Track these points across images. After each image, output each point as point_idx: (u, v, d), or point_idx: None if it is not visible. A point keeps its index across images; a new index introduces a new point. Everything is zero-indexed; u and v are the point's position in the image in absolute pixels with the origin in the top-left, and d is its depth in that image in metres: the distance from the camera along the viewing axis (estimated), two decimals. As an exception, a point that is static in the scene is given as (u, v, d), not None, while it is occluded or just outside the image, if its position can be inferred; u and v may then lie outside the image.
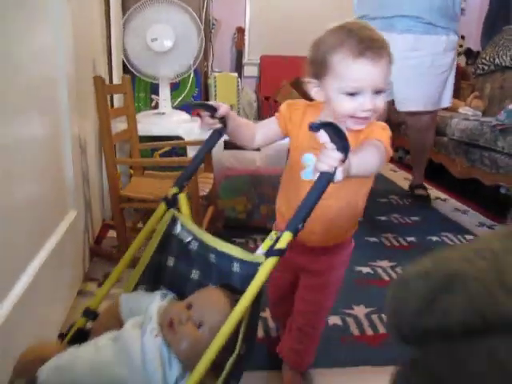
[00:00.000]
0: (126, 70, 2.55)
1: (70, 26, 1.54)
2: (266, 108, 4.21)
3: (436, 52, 2.43)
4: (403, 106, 2.55)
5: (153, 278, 1.02)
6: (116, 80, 2.52)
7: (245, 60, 4.35)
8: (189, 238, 0.98)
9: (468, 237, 2.34)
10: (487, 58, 3.57)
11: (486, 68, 3.60)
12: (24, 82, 1.19)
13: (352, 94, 0.94)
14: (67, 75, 1.51)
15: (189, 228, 0.99)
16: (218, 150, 2.23)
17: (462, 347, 0.29)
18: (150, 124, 2.30)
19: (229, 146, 2.29)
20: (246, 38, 4.32)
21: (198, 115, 2.94)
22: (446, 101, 2.60)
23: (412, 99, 2.51)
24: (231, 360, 0.80)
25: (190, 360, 0.79)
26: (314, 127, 0.75)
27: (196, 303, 0.86)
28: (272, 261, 0.82)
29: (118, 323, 0.91)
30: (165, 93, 2.46)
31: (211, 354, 0.75)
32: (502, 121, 2.50)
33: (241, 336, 0.81)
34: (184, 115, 2.52)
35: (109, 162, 1.77)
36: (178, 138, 2.36)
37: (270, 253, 0.82)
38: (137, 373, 0.79)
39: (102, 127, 1.74)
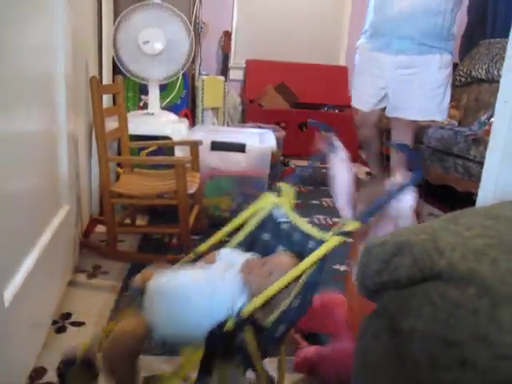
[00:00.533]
0: (114, 70, 2.63)
1: (69, 25, 1.61)
2: (250, 111, 4.31)
3: (430, 70, 2.52)
4: (395, 112, 2.66)
5: (248, 245, 1.21)
6: (105, 80, 2.59)
7: (231, 63, 4.45)
8: (283, 219, 1.18)
9: (440, 239, 2.47)
10: (464, 71, 3.74)
11: (463, 80, 3.76)
12: (24, 78, 1.26)
13: None
14: (65, 73, 1.58)
15: (288, 213, 1.19)
16: (204, 150, 2.31)
17: (406, 292, 0.39)
18: (139, 124, 2.37)
19: (215, 147, 2.38)
20: (233, 41, 4.42)
21: (186, 116, 3.03)
22: (442, 114, 2.62)
23: (405, 108, 2.60)
24: (282, 307, 0.98)
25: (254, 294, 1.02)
26: None
27: (270, 261, 1.09)
28: (335, 239, 1.01)
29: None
30: (154, 94, 2.54)
31: (268, 292, 0.97)
32: (475, 131, 2.64)
33: (294, 292, 0.99)
34: (172, 116, 2.60)
35: (102, 160, 1.84)
36: (166, 137, 2.44)
37: (335, 233, 1.02)
38: (214, 303, 1.01)
39: (96, 126, 1.81)
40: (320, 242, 1.04)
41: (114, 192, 1.90)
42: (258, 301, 0.97)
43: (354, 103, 2.83)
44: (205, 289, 1.04)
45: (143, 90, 2.89)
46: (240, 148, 2.33)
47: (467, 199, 3.12)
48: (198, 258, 1.22)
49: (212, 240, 1.23)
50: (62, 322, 1.53)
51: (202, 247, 1.22)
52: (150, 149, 2.52)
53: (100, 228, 2.23)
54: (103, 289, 1.76)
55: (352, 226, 1.00)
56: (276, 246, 1.17)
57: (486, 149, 2.56)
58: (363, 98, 2.74)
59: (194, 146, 2.17)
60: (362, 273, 0.45)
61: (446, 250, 0.39)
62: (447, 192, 3.11)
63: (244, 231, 1.22)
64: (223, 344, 0.97)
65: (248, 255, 1.15)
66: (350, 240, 1.10)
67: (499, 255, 0.37)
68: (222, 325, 0.96)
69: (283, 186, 1.25)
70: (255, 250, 1.19)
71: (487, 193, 0.93)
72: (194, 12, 2.91)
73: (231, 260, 1.14)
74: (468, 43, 4.04)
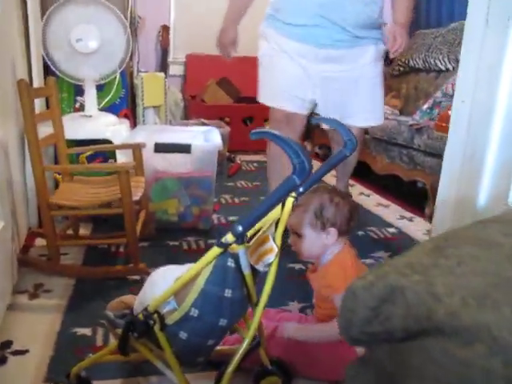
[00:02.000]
0: (46, 71, 2.45)
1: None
2: (193, 107, 4.21)
3: (365, 63, 2.10)
4: (357, 121, 2.13)
5: None
6: (36, 83, 2.41)
7: (170, 59, 4.31)
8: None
9: (391, 229, 2.50)
10: (402, 60, 3.81)
11: (401, 69, 3.84)
12: None
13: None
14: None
15: None
16: (148, 152, 2.21)
17: (403, 347, 0.34)
18: (76, 127, 2.23)
19: (159, 149, 2.28)
20: (171, 36, 4.28)
21: (126, 116, 2.89)
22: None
23: (347, 114, 2.09)
24: (180, 310, 1.02)
25: None
26: None
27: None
28: (215, 250, 0.96)
29: None
30: (91, 94, 2.40)
31: (167, 291, 1.02)
32: (418, 121, 2.69)
33: (190, 297, 1.00)
34: (111, 117, 2.47)
35: (37, 169, 1.70)
36: (106, 141, 2.31)
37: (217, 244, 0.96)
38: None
39: (28, 133, 1.67)
40: None
41: (53, 203, 1.76)
42: (161, 298, 1.02)
43: (273, 102, 2.15)
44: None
45: (78, 90, 2.73)
46: (185, 149, 2.24)
47: (413, 188, 3.21)
48: None
49: None
50: (1, 353, 1.39)
51: None
52: (88, 152, 2.38)
53: (40, 241, 2.09)
54: (47, 310, 1.63)
55: (230, 238, 0.92)
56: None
57: (429, 138, 2.62)
58: (285, 95, 2.11)
59: (137, 149, 2.07)
60: (346, 320, 0.40)
61: (443, 296, 0.34)
62: (393, 182, 3.17)
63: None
64: (137, 330, 1.05)
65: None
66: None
67: (501, 297, 0.33)
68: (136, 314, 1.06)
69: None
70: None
71: (448, 191, 0.91)
72: (128, 6, 2.77)
73: None
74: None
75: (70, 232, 2.10)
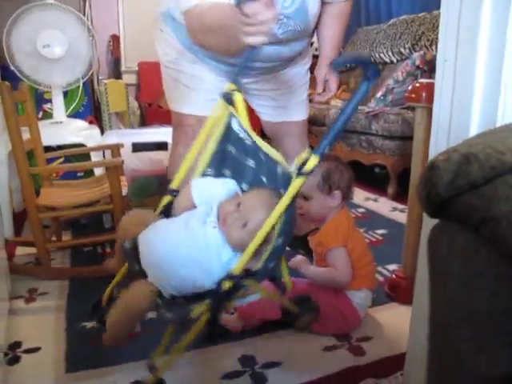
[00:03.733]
0: (4, 76, 2.41)
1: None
2: (150, 114, 4.23)
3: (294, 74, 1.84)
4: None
5: (218, 162, 1.18)
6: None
7: (123, 68, 4.31)
8: (244, 135, 1.13)
9: (360, 209, 2.66)
10: (348, 56, 4.03)
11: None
12: None
13: None
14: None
15: (244, 127, 1.12)
16: (124, 153, 2.24)
17: (487, 188, 0.46)
18: (48, 134, 2.22)
19: (136, 148, 2.32)
20: (122, 45, 4.29)
21: (91, 123, 2.88)
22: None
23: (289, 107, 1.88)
24: (268, 250, 1.00)
25: (238, 248, 1.03)
26: None
27: (244, 203, 1.05)
28: (300, 181, 0.95)
29: (191, 204, 1.12)
30: (59, 101, 2.39)
31: (250, 248, 0.98)
32: (373, 108, 2.88)
33: (275, 234, 0.99)
34: (81, 122, 2.48)
35: (23, 172, 1.70)
36: (80, 145, 2.32)
37: (299, 173, 0.95)
38: (202, 254, 1.02)
39: (13, 136, 1.66)
40: (287, 173, 0.99)
41: (41, 206, 1.76)
42: (245, 257, 0.99)
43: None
44: (189, 242, 1.04)
45: (39, 99, 2.71)
46: (162, 146, 2.29)
47: (372, 173, 3.40)
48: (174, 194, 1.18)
49: (182, 170, 1.19)
50: (12, 353, 1.38)
51: (175, 183, 1.19)
52: (59, 160, 2.37)
53: (20, 250, 2.07)
54: (48, 310, 1.63)
55: (312, 162, 0.93)
56: (245, 161, 1.14)
57: (385, 122, 2.81)
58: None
59: (116, 149, 2.09)
60: (429, 186, 0.50)
61: (507, 151, 0.46)
62: (354, 167, 3.34)
63: (209, 150, 1.18)
64: (223, 303, 1.02)
65: (222, 190, 1.12)
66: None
67: None
68: (219, 286, 0.99)
69: (234, 92, 1.13)
70: (227, 167, 1.19)
71: (440, 142, 1.03)
72: (85, 14, 2.78)
73: (208, 200, 1.11)
74: (346, 31, 4.37)
75: (53, 239, 2.08)
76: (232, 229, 1.03)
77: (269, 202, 1.02)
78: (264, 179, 1.11)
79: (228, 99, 1.14)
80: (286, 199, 0.96)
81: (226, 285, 0.98)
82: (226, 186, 1.14)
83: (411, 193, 1.56)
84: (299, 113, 1.90)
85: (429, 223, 0.70)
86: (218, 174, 1.19)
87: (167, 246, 1.02)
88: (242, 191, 1.15)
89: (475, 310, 0.50)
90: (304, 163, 0.95)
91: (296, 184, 0.96)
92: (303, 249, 2.02)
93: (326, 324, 1.39)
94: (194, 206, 1.12)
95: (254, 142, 1.10)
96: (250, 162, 1.14)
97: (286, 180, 1.00)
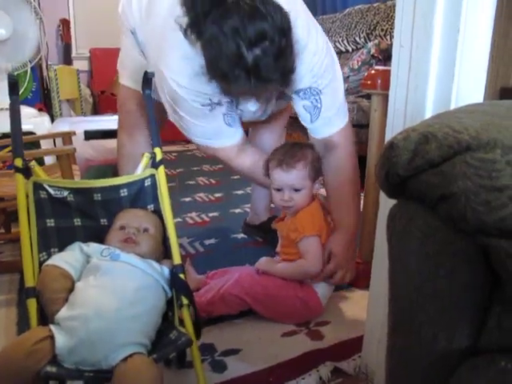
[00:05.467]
0: None
1: None
2: (103, 102, 4.10)
3: None
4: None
5: (44, 244, 1.07)
6: None
7: (73, 54, 4.16)
8: (65, 193, 1.10)
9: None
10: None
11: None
12: None
13: (277, 190, 1.36)
14: None
15: (59, 185, 1.11)
16: (76, 141, 2.16)
17: (445, 166, 0.46)
18: (-6, 121, 2.11)
19: (88, 136, 2.24)
20: (72, 30, 4.13)
21: (41, 110, 2.77)
22: None
23: None
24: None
25: (155, 254, 1.09)
26: None
27: (124, 222, 1.10)
28: (162, 168, 1.17)
29: (68, 279, 1.00)
30: (4, 86, 2.27)
31: (173, 230, 1.11)
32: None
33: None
34: (30, 110, 2.37)
35: (-33, 161, 1.61)
36: (29, 133, 2.21)
37: (158, 164, 1.17)
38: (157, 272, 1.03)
39: (-46, 122, 1.57)
40: (136, 183, 1.16)
41: (-14, 197, 1.67)
42: (175, 247, 1.10)
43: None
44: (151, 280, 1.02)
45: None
46: (115, 134, 2.22)
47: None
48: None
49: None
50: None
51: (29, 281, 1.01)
52: (7, 149, 2.26)
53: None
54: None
55: (159, 152, 1.18)
56: (71, 224, 1.12)
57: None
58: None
59: (68, 137, 2.02)
60: (388, 165, 0.50)
61: (464, 130, 0.47)
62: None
63: (33, 238, 1.05)
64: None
65: (79, 246, 1.08)
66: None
67: (504, 125, 0.46)
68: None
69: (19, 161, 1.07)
70: (53, 245, 1.08)
71: (397, 121, 1.05)
72: (32, -4, 2.65)
73: (78, 260, 1.04)
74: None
75: (1, 231, 1.99)
76: (142, 240, 1.08)
77: (143, 211, 1.15)
78: (103, 220, 1.16)
79: (25, 173, 1.07)
80: (163, 189, 1.15)
81: (182, 276, 1.05)
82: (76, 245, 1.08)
83: (367, 179, 1.58)
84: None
85: (386, 205, 0.70)
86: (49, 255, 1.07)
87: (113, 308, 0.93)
88: (82, 250, 1.07)
89: (435, 287, 0.51)
90: (153, 157, 1.18)
91: (162, 174, 1.16)
92: (259, 236, 2.03)
93: (291, 315, 1.40)
94: (71, 278, 1.00)
95: (81, 191, 1.12)
96: (77, 221, 1.13)
97: (136, 189, 1.16)
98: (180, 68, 1.29)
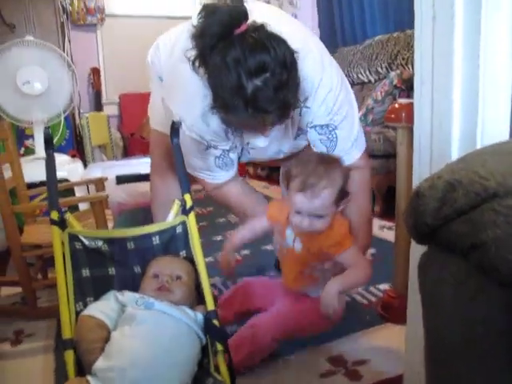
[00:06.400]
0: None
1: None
2: (133, 145, 4.22)
3: None
4: None
5: (80, 294, 1.09)
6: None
7: (104, 100, 4.32)
8: (99, 244, 1.13)
9: (348, 230, 2.65)
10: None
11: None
12: None
13: (297, 212, 1.29)
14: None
15: (93, 236, 1.14)
16: (108, 186, 2.22)
17: (474, 214, 0.46)
18: (31, 170, 2.20)
19: (120, 181, 2.30)
20: (103, 78, 4.31)
21: (74, 156, 2.87)
22: None
23: None
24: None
25: (188, 300, 1.10)
26: None
27: (157, 270, 1.12)
28: (192, 215, 1.19)
29: (104, 329, 1.01)
30: (40, 137, 2.38)
31: (205, 275, 1.12)
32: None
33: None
34: (64, 157, 2.46)
35: (6, 211, 1.67)
36: (63, 180, 2.29)
37: (188, 211, 1.19)
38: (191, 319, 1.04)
39: (-6, 176, 1.64)
40: (167, 231, 1.19)
41: (26, 244, 1.73)
42: (208, 291, 1.10)
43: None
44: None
45: (21, 135, 2.70)
46: (147, 177, 2.27)
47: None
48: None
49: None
50: (0, 399, 1.34)
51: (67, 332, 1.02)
52: (42, 196, 2.34)
53: (4, 290, 2.02)
54: (35, 352, 1.58)
55: (189, 198, 1.19)
56: (105, 273, 1.14)
57: (367, 142, 2.84)
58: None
59: (100, 183, 2.08)
60: (416, 214, 0.50)
61: (490, 176, 0.47)
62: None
63: (69, 288, 1.07)
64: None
65: (114, 296, 1.09)
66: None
67: None
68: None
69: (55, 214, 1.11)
70: (88, 295, 1.10)
71: (424, 157, 1.05)
72: (65, 49, 2.79)
73: (113, 309, 1.06)
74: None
75: (39, 277, 2.04)
76: (175, 287, 1.10)
77: (176, 259, 1.17)
78: (137, 268, 1.18)
79: (60, 225, 1.11)
80: (194, 235, 1.16)
81: (216, 322, 1.05)
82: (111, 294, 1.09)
83: (397, 211, 1.56)
84: None
85: (417, 244, 0.70)
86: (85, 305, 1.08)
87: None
88: (117, 300, 1.08)
89: (470, 334, 0.50)
90: (184, 205, 1.19)
91: (192, 220, 1.17)
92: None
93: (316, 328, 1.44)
94: (107, 329, 1.01)
95: (114, 240, 1.15)
96: (111, 271, 1.15)
97: (167, 237, 1.18)
98: (186, 107, 1.33)
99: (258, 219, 1.50)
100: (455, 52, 0.95)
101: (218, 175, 1.51)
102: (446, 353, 0.55)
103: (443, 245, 0.50)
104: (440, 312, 0.52)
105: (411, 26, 1.06)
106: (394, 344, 1.44)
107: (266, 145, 1.40)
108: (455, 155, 0.96)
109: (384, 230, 2.62)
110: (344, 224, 1.36)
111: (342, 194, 1.30)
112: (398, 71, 2.97)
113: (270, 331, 1.35)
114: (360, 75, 3.78)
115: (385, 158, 2.77)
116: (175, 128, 1.23)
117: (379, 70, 3.56)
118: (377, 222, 2.77)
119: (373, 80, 3.67)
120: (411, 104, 1.16)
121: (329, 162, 1.31)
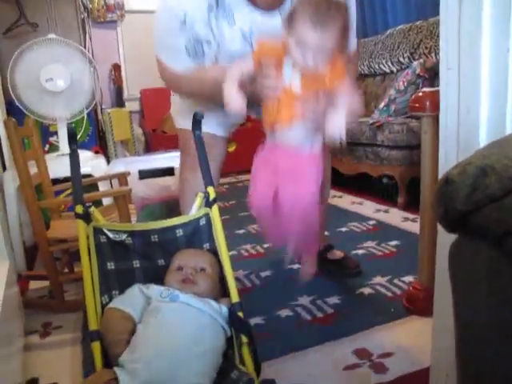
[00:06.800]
0: (10, 112, 2.45)
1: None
2: (154, 140, 4.25)
3: None
4: None
5: (106, 287, 1.10)
6: None
7: (125, 95, 4.36)
8: (123, 237, 1.14)
9: (371, 222, 2.63)
10: (348, 69, 4.04)
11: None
12: None
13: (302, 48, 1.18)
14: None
15: (118, 229, 1.15)
16: (131, 181, 2.24)
17: (507, 200, 0.44)
18: (55, 166, 2.23)
19: (142, 175, 2.32)
20: (124, 73, 4.35)
21: (97, 152, 2.90)
22: None
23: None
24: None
25: (212, 292, 1.10)
26: None
27: (182, 262, 1.12)
28: (215, 207, 1.19)
29: (130, 321, 1.02)
30: (64, 133, 2.41)
31: (229, 268, 1.13)
32: (377, 119, 2.87)
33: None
34: (86, 153, 2.49)
35: (32, 207, 1.70)
36: (87, 175, 2.32)
37: (211, 203, 1.20)
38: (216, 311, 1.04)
39: (20, 172, 1.67)
40: (191, 223, 1.19)
41: (52, 239, 1.76)
42: (232, 283, 1.11)
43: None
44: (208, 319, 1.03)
45: (45, 132, 2.74)
46: (169, 172, 2.30)
47: (380, 184, 3.38)
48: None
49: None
50: (30, 390, 1.37)
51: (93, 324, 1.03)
52: (67, 191, 2.38)
53: (33, 284, 2.07)
54: (63, 344, 1.61)
55: (212, 191, 1.21)
56: (130, 266, 1.16)
57: (390, 132, 2.80)
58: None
59: (123, 177, 2.10)
60: (445, 200, 0.49)
61: None
62: (359, 181, 3.34)
63: (95, 280, 1.09)
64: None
65: (139, 288, 1.09)
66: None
67: None
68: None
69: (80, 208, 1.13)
70: (113, 287, 1.12)
71: (450, 144, 1.02)
72: (86, 46, 2.82)
73: (139, 302, 1.06)
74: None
75: (65, 271, 2.08)
76: (199, 279, 1.10)
77: (199, 251, 1.18)
78: (161, 260, 1.18)
79: (85, 219, 1.12)
80: (218, 227, 1.17)
81: (240, 314, 1.05)
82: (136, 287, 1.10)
83: (422, 202, 1.54)
84: None
85: (444, 234, 0.68)
86: (110, 298, 1.10)
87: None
88: (142, 292, 1.08)
89: (504, 324, 0.48)
90: (207, 197, 1.21)
91: (216, 212, 1.19)
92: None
93: None
94: (133, 321, 1.02)
95: (138, 233, 1.15)
96: (136, 263, 1.16)
97: (191, 229, 1.18)
98: None
99: (241, 60, 1.29)
100: (483, 35, 0.92)
101: (182, 59, 1.43)
102: (478, 344, 0.53)
103: (474, 232, 0.48)
104: (472, 301, 0.51)
105: (434, 14, 1.04)
106: (419, 337, 1.42)
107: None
108: (483, 142, 0.93)
109: (407, 222, 2.58)
110: (342, 61, 1.27)
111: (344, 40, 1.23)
112: (421, 60, 2.91)
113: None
114: (382, 66, 3.73)
115: (408, 148, 2.73)
116: (197, 120, 1.23)
117: (401, 60, 3.50)
118: (400, 214, 2.74)
119: (395, 70, 3.61)
120: (436, 92, 1.13)
121: (338, 5, 1.21)
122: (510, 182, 0.44)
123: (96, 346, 0.99)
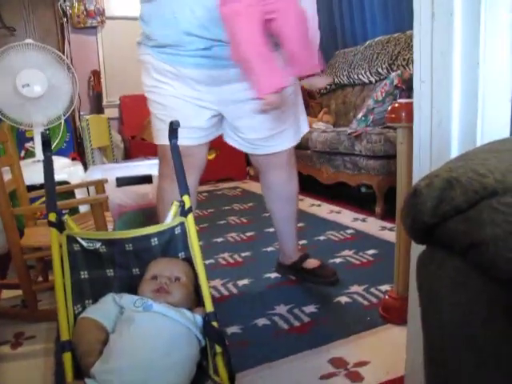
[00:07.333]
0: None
1: None
2: (134, 147, 4.22)
3: None
4: (265, 148, 1.76)
5: (79, 296, 1.09)
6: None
7: (104, 102, 4.33)
8: (97, 245, 1.12)
9: (349, 231, 2.65)
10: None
11: (328, 87, 4.11)
12: None
13: None
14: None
15: (92, 237, 1.13)
16: (108, 188, 2.21)
17: (472, 212, 0.45)
18: (30, 173, 2.20)
19: (120, 183, 2.30)
20: (103, 80, 4.32)
21: (74, 159, 2.87)
22: (305, 126, 1.87)
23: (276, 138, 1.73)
24: None
25: (187, 302, 1.09)
26: None
27: (157, 271, 1.11)
28: (191, 216, 1.19)
29: (103, 331, 1.01)
30: (40, 140, 2.37)
31: (204, 277, 1.12)
32: (355, 129, 2.90)
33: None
34: (64, 160, 2.46)
35: (6, 214, 1.67)
36: (63, 182, 2.29)
37: (187, 212, 1.19)
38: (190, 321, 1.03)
39: (-7, 178, 1.64)
40: (166, 232, 1.18)
41: (26, 247, 1.73)
42: (207, 293, 1.10)
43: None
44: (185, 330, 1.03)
45: (21, 138, 2.70)
46: (147, 179, 2.28)
47: (357, 193, 3.41)
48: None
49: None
50: (-1, 402, 1.34)
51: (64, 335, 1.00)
52: (43, 199, 2.34)
53: (5, 293, 2.02)
54: (36, 355, 1.58)
55: (188, 199, 1.20)
56: (104, 275, 1.15)
57: (368, 142, 2.83)
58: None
59: (100, 185, 2.07)
60: (413, 212, 0.50)
61: (489, 173, 0.46)
62: (340, 189, 3.37)
63: (67, 290, 1.07)
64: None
65: (112, 298, 1.08)
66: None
67: None
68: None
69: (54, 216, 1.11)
70: (86, 297, 1.10)
71: (423, 155, 1.04)
72: (64, 52, 2.79)
73: (111, 312, 1.06)
74: (324, 55, 4.45)
75: (40, 279, 2.04)
76: (174, 289, 1.09)
77: (175, 260, 1.17)
78: (135, 269, 1.17)
79: (58, 227, 1.11)
80: (193, 236, 1.16)
81: (215, 324, 1.05)
82: (110, 296, 1.09)
83: (398, 212, 1.56)
84: (287, 141, 1.78)
85: (418, 246, 0.69)
86: (83, 307, 1.08)
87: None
88: (115, 302, 1.07)
89: (470, 335, 0.49)
90: (183, 206, 1.20)
91: (191, 221, 1.18)
92: (292, 275, 2.01)
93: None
94: (105, 331, 1.01)
95: (112, 241, 1.14)
96: (110, 272, 1.16)
97: (166, 238, 1.17)
98: None
99: None
100: (454, 49, 0.94)
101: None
102: (444, 353, 0.54)
103: (441, 244, 0.49)
104: (438, 312, 0.51)
105: (412, 26, 1.06)
106: (395, 345, 1.43)
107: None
108: (455, 154, 0.95)
109: (385, 231, 2.61)
110: None
111: None
112: (399, 71, 2.96)
113: None
114: (361, 76, 3.78)
115: (386, 158, 2.77)
116: (173, 128, 1.23)
117: (380, 70, 3.56)
118: (378, 223, 2.77)
119: (373, 81, 3.67)
120: (411, 103, 1.15)
121: None
122: (475, 195, 0.45)
123: (67, 357, 0.97)
